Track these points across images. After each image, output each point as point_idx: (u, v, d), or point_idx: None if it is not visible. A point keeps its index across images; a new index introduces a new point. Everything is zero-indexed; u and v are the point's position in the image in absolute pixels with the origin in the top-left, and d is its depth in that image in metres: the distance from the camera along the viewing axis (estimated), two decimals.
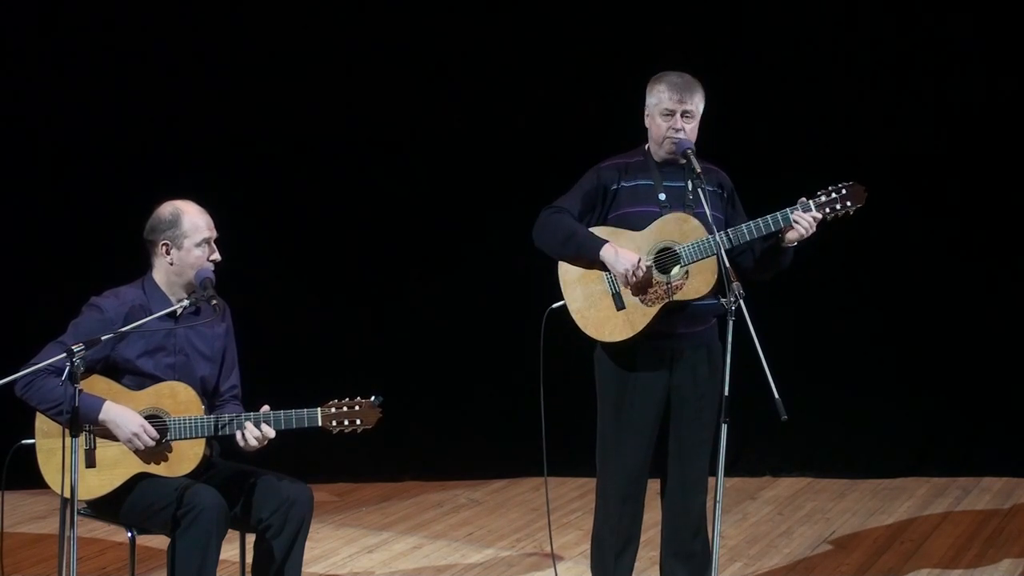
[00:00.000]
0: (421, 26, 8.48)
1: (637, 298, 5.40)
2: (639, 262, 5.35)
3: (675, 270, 5.39)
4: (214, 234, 5.26)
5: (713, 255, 5.31)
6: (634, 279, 5.35)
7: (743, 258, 5.55)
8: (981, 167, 8.31)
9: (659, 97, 5.48)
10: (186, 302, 5.18)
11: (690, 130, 5.46)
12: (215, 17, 8.37)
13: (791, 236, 5.42)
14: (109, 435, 5.09)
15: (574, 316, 5.49)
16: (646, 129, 5.56)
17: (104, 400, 5.07)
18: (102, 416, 5.05)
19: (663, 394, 5.52)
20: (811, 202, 5.42)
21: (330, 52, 8.45)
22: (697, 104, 5.47)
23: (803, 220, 5.38)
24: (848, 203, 5.43)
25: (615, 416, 5.55)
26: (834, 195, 5.43)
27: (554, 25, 8.44)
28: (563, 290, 5.51)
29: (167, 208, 5.25)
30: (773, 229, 5.40)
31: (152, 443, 5.07)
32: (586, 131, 8.01)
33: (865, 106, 8.38)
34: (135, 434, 5.05)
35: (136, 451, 5.08)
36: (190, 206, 5.26)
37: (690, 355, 5.51)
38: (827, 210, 5.42)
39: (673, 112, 5.45)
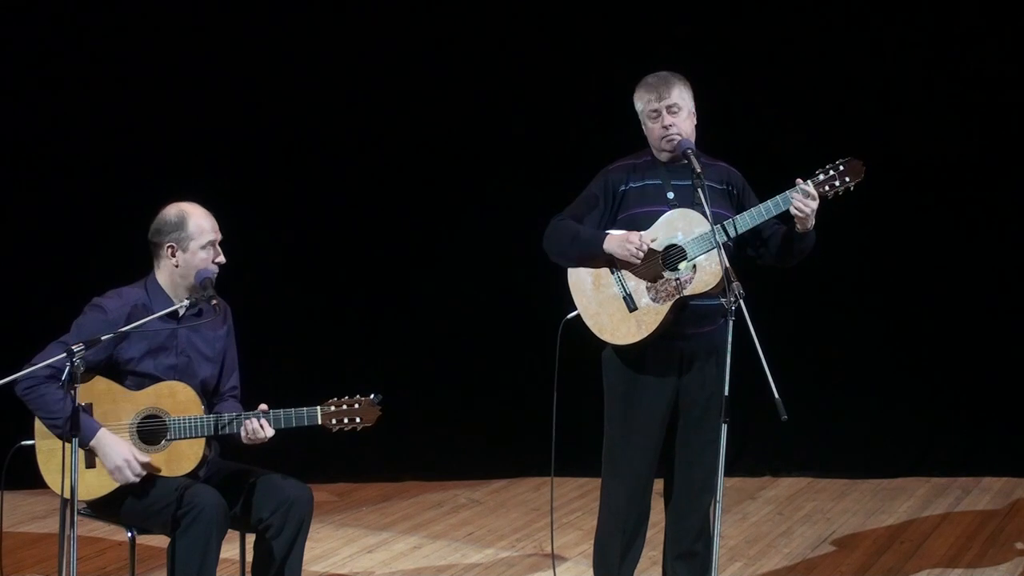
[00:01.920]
0: (421, 26, 8.48)
1: (648, 298, 5.40)
2: (639, 239, 5.34)
3: (682, 265, 5.39)
4: (219, 236, 5.24)
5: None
6: (639, 253, 5.34)
7: (761, 251, 5.52)
8: (984, 166, 8.30)
9: (642, 102, 5.48)
10: (187, 302, 5.17)
11: (680, 122, 5.43)
12: (216, 17, 8.38)
13: (798, 219, 5.37)
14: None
15: (587, 321, 5.46)
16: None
17: (101, 427, 5.06)
18: (93, 442, 5.04)
19: (671, 395, 5.50)
20: (809, 182, 5.39)
21: (331, 52, 8.45)
22: (679, 95, 5.43)
23: (800, 201, 5.33)
24: (847, 179, 5.37)
25: (623, 417, 5.53)
26: (832, 172, 5.37)
27: (557, 23, 8.44)
28: (574, 296, 5.49)
29: (172, 210, 5.23)
30: (774, 213, 5.36)
31: (136, 480, 5.06)
32: (594, 134, 8.01)
33: (866, 105, 8.37)
34: (118, 467, 5.04)
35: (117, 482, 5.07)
36: (195, 208, 5.25)
37: (699, 356, 5.49)
38: (826, 188, 5.37)
39: (658, 111, 5.45)
